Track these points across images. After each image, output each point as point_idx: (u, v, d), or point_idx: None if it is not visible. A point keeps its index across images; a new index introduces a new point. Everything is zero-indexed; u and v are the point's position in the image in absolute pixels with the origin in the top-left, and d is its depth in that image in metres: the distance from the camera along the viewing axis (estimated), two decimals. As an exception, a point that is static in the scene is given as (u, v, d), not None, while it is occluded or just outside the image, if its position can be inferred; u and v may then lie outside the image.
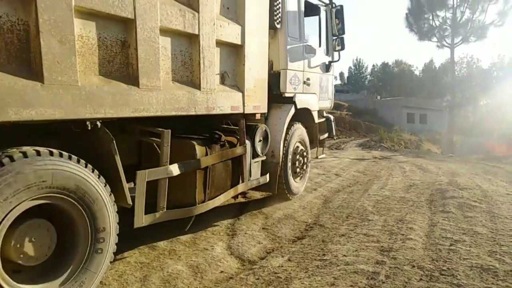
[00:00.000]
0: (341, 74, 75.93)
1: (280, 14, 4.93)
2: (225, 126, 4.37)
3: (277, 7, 4.85)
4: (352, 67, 77.69)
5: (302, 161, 5.79)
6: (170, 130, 3.18)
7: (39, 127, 2.35)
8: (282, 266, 3.31)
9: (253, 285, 2.97)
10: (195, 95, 3.43)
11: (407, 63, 69.63)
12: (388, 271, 3.11)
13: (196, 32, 3.37)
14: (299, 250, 3.72)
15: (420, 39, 22.99)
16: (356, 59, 77.35)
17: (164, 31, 3.06)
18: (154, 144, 3.36)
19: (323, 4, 6.17)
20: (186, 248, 3.69)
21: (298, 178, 5.80)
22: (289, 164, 5.41)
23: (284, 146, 5.20)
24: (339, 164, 10.19)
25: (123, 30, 2.78)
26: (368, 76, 75.46)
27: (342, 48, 6.43)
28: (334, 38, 6.39)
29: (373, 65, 74.63)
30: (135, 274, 3.10)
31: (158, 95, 3.00)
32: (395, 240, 3.87)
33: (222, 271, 3.26)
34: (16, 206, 2.12)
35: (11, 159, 2.10)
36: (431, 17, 22.20)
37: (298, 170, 5.69)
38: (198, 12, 3.35)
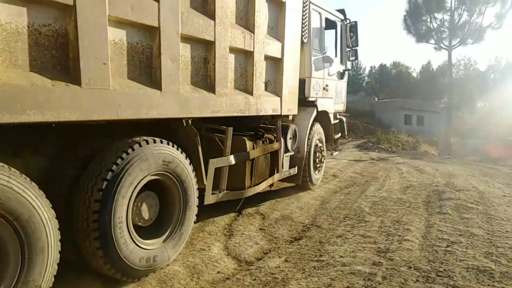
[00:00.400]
0: (339, 76, 75.62)
1: (306, 30, 5.74)
2: (263, 125, 5.16)
3: (304, 24, 5.65)
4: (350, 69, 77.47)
5: (320, 157, 6.72)
6: (232, 128, 4.00)
7: (144, 124, 3.09)
8: (279, 267, 3.31)
9: (250, 286, 2.97)
10: (249, 99, 4.27)
11: (404, 65, 69.68)
12: (385, 272, 3.12)
13: (251, 49, 4.22)
14: (296, 251, 3.72)
15: (418, 41, 23.07)
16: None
17: (231, 49, 3.88)
18: (216, 138, 4.07)
19: (339, 20, 6.98)
20: (183, 249, 3.68)
21: (317, 171, 6.72)
22: (311, 159, 6.32)
23: (307, 143, 6.09)
24: (336, 165, 10.20)
25: (206, 50, 3.62)
26: (366, 78, 75.52)
27: (356, 59, 7.38)
28: (348, 49, 7.22)
29: (371, 67, 74.67)
30: (131, 275, 3.08)
31: (226, 100, 3.82)
32: (392, 241, 3.88)
33: (219, 272, 3.26)
34: (143, 178, 2.89)
35: (140, 145, 2.88)
36: (429, 19, 22.26)
37: (317, 164, 6.64)
38: (253, 33, 4.19)
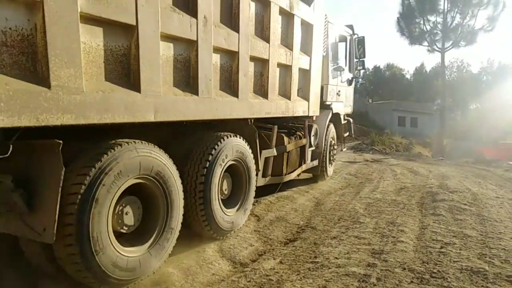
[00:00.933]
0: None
1: (325, 45, 6.80)
2: (291, 124, 6.23)
3: (324, 40, 6.70)
4: (344, 70, 77.89)
5: (333, 152, 7.96)
6: (276, 126, 5.06)
7: (219, 123, 4.06)
8: (274, 269, 3.31)
9: (244, 288, 2.96)
10: (288, 103, 5.36)
11: (398, 67, 70.03)
12: (379, 273, 3.12)
13: (290, 64, 5.30)
14: (291, 253, 3.72)
15: (411, 43, 23.23)
16: (348, 63, 77.76)
17: (278, 65, 4.96)
18: (263, 134, 4.94)
19: (349, 34, 8.11)
20: (178, 250, 3.66)
21: (330, 164, 7.90)
22: (327, 153, 7.49)
23: (325, 140, 7.26)
24: (331, 166, 10.21)
25: (262, 66, 4.67)
26: (360, 80, 75.79)
27: (363, 68, 8.68)
28: (356, 60, 8.39)
29: (365, 69, 74.94)
30: (125, 277, 3.06)
31: (274, 104, 4.90)
32: (386, 242, 3.89)
33: (213, 274, 3.25)
34: (226, 163, 4.02)
35: (225, 138, 3.94)
36: (422, 22, 22.42)
37: (331, 158, 7.85)
38: (292, 51, 5.28)
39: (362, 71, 8.51)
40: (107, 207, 2.61)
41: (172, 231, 3.21)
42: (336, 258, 3.49)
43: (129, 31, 2.74)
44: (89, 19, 2.44)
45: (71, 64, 2.29)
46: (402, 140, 28.97)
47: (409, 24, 22.85)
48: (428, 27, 22.36)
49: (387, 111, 40.77)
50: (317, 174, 7.35)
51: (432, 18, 22.28)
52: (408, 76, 68.30)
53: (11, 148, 2.19)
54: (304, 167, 6.42)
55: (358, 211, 5.21)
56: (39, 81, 2.17)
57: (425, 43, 22.86)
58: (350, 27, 8.13)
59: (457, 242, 3.89)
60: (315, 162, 6.92)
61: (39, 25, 2.16)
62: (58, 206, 2.32)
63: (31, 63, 2.19)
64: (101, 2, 2.44)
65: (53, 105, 2.21)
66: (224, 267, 3.41)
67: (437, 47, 22.55)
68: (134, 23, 2.71)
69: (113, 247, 2.69)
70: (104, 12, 2.48)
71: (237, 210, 4.25)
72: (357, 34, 8.24)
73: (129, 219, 2.88)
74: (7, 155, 2.17)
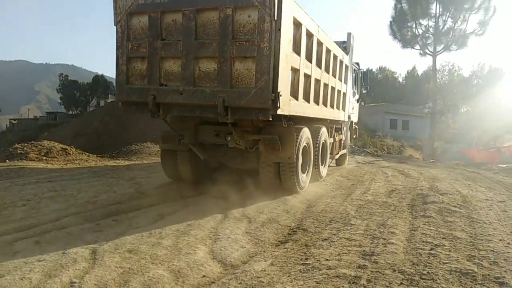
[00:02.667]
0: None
1: (350, 76, 10.34)
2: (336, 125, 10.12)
3: (347, 72, 9.84)
4: (337, 73, 78.18)
5: (348, 147, 12.32)
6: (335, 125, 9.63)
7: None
8: (265, 271, 3.30)
9: (235, 290, 2.95)
10: (339, 112, 9.32)
11: (390, 70, 70.66)
12: (369, 275, 3.13)
13: (340, 89, 9.05)
14: (282, 254, 3.72)
15: (403, 47, 23.40)
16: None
17: (337, 90, 8.64)
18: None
19: (358, 68, 11.88)
20: (168, 253, 3.64)
21: (348, 154, 12.35)
22: (347, 147, 11.70)
23: (346, 138, 11.13)
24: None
25: (332, 91, 8.30)
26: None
27: (367, 91, 13.62)
28: (363, 86, 12.67)
29: (367, 91, 75.33)
30: (115, 279, 3.04)
31: (336, 112, 8.91)
32: (377, 244, 3.90)
33: (204, 276, 3.23)
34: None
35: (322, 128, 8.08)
36: (414, 25, 22.63)
37: (348, 150, 12.32)
38: (341, 81, 8.97)
39: (365, 92, 13.35)
40: (300, 152, 6.43)
41: (309, 167, 7.05)
42: (327, 260, 3.49)
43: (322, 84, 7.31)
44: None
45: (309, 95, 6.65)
46: (393, 143, 29.18)
47: (401, 27, 23.04)
48: (420, 31, 22.58)
49: (379, 113, 41.00)
50: (341, 164, 11.49)
51: (424, 22, 22.52)
52: (400, 79, 68.86)
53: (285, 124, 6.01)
54: (340, 152, 10.65)
55: (349, 213, 5.22)
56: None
57: (417, 47, 23.06)
58: (357, 63, 11.70)
59: (446, 244, 3.92)
60: (345, 150, 11.18)
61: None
62: (295, 148, 6.04)
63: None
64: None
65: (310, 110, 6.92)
66: (215, 269, 3.39)
67: (428, 50, 22.76)
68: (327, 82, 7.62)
69: (301, 171, 6.52)
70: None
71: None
72: (363, 69, 12.63)
73: (301, 160, 6.52)
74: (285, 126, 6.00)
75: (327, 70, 7.43)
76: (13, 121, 78.64)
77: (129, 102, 5.99)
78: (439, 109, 26.39)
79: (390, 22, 23.35)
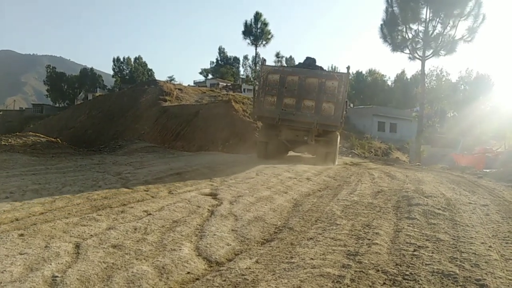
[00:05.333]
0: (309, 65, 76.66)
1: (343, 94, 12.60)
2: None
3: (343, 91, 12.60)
4: (327, 74, 78.58)
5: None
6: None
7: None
8: (250, 268, 3.30)
9: (219, 287, 2.94)
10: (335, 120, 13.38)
11: (380, 73, 71.37)
12: (353, 274, 3.16)
13: (335, 101, 12.90)
14: (267, 253, 3.73)
15: (393, 50, 23.55)
16: (332, 67, 78.65)
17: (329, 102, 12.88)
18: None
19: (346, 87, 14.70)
20: (153, 249, 3.62)
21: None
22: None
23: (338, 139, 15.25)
24: (310, 168, 10.29)
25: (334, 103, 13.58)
26: (343, 70, 76.43)
27: (348, 106, 20.88)
28: (346, 107, 14.99)
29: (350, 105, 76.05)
30: (98, 274, 3.01)
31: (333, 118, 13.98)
32: (362, 244, 3.94)
33: (188, 272, 3.22)
34: None
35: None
36: (404, 30, 22.78)
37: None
38: (336, 102, 12.47)
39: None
40: (338, 147, 13.53)
41: (337, 155, 13.49)
42: (312, 258, 3.51)
43: None
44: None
45: None
46: (381, 145, 29.47)
47: (392, 31, 23.19)
48: (410, 35, 22.75)
49: (367, 116, 41.37)
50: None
51: (414, 27, 22.67)
52: (389, 82, 69.55)
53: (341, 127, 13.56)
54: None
55: (335, 213, 5.26)
56: None
57: (407, 51, 23.25)
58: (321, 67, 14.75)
59: (429, 245, 3.97)
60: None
61: None
62: (337, 145, 13.03)
63: None
64: None
65: None
66: (200, 266, 3.38)
67: (418, 55, 22.95)
68: None
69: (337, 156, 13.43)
70: None
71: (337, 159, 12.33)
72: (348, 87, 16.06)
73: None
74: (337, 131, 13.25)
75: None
76: (-2, 112, 77.17)
77: (262, 116, 12.92)
78: (426, 113, 26.69)
79: (381, 25, 23.51)
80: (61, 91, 79.32)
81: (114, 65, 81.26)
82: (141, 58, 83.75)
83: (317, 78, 12.00)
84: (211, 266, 3.42)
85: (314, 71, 12.56)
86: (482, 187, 8.42)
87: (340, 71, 14.97)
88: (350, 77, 16.00)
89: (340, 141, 15.40)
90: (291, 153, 14.77)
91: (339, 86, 11.91)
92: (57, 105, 77.62)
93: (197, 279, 3.12)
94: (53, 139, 11.98)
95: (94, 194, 5.65)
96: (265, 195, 6.21)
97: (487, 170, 13.27)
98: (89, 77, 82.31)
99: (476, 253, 3.79)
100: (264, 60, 13.46)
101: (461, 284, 3.07)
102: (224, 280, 3.05)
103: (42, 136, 12.25)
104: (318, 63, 13.62)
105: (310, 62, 13.30)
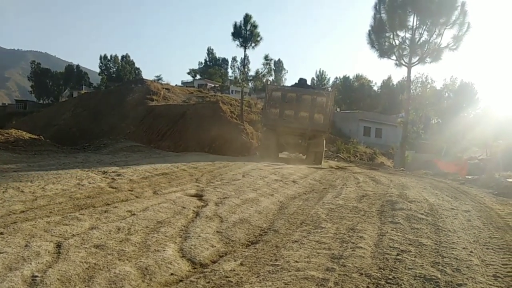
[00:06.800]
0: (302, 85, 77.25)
1: (330, 106, 16.64)
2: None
3: (331, 104, 16.52)
4: (315, 78, 79.28)
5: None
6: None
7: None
8: (234, 270, 3.29)
9: (203, 289, 2.92)
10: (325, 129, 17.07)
11: (367, 78, 72.15)
12: (337, 278, 3.17)
13: (323, 112, 16.49)
14: (252, 255, 3.72)
15: (380, 56, 23.84)
16: (319, 71, 79.21)
17: (319, 113, 16.46)
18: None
19: (332, 100, 17.11)
20: (136, 249, 3.58)
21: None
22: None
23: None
24: (297, 171, 10.33)
25: (321, 113, 17.02)
26: (330, 88, 77.29)
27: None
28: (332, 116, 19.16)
29: (336, 78, 76.76)
30: (79, 274, 2.96)
31: (320, 125, 17.27)
32: (346, 248, 3.96)
33: (172, 274, 3.19)
34: None
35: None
36: (391, 36, 23.10)
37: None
38: (326, 112, 16.20)
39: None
40: (324, 148, 17.30)
41: (324, 156, 16.72)
42: (296, 261, 3.51)
43: None
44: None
45: None
46: (366, 150, 29.79)
47: (379, 37, 23.48)
48: (397, 42, 23.07)
49: (353, 120, 41.78)
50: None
51: (401, 34, 22.99)
52: (375, 88, 70.36)
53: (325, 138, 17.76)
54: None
55: (320, 216, 5.28)
56: None
57: (393, 57, 23.57)
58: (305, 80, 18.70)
59: (412, 250, 4.02)
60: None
61: None
62: (324, 146, 16.35)
63: None
64: None
65: None
66: (184, 267, 3.35)
67: (404, 61, 23.29)
68: None
69: (324, 157, 17.54)
70: None
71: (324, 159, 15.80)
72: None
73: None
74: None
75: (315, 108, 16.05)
76: (-20, 108, 75.41)
77: (268, 124, 16.17)
78: (411, 120, 27.08)
79: (369, 31, 23.80)
80: (45, 88, 78.06)
81: (101, 62, 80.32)
82: (129, 57, 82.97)
83: (310, 95, 15.96)
84: (195, 268, 3.39)
85: (308, 90, 16.91)
86: (464, 193, 8.57)
87: (328, 89, 19.43)
88: (338, 82, 18.91)
89: (325, 145, 17.61)
90: (280, 155, 17.04)
91: (327, 101, 15.78)
92: (41, 101, 76.33)
93: (181, 280, 3.09)
94: (36, 136, 11.75)
95: (77, 193, 5.55)
96: (251, 197, 6.21)
97: (470, 177, 13.52)
98: (74, 74, 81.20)
99: (458, 258, 3.85)
100: (268, 80, 20.20)
101: (442, 288, 3.11)
102: (208, 282, 3.03)
103: (25, 133, 12.01)
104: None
105: (303, 82, 17.71)
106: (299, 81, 17.78)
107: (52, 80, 78.83)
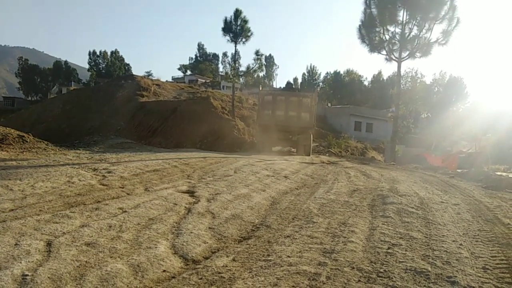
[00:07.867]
0: (295, 80, 77.41)
1: (315, 105, 19.42)
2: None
3: (315, 104, 19.31)
4: (306, 74, 79.36)
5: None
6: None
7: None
8: (227, 266, 3.29)
9: (195, 285, 2.92)
10: (310, 125, 19.18)
11: (357, 73, 72.45)
12: (329, 272, 3.19)
13: (308, 112, 18.74)
14: (244, 250, 3.72)
15: (370, 51, 23.86)
16: (310, 66, 79.34)
17: (305, 112, 18.77)
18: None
19: (315, 100, 19.64)
20: (128, 247, 3.56)
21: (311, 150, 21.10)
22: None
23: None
24: (288, 167, 10.36)
25: (307, 112, 19.45)
26: (321, 84, 77.58)
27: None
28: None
29: (327, 73, 76.96)
30: (70, 272, 2.93)
31: (305, 122, 19.64)
32: (337, 242, 3.99)
33: (164, 270, 3.18)
34: None
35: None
36: (382, 31, 23.14)
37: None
38: (311, 111, 18.61)
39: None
40: (311, 142, 19.82)
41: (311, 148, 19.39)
42: (289, 256, 3.53)
43: None
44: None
45: None
46: (357, 144, 29.94)
47: (369, 32, 23.50)
48: (387, 37, 23.13)
49: (344, 115, 41.94)
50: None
51: (391, 28, 23.01)
52: (366, 82, 70.68)
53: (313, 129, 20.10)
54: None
55: (312, 211, 5.30)
56: None
57: (384, 52, 23.63)
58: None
59: (403, 243, 4.06)
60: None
61: None
62: (311, 140, 18.96)
63: None
64: None
65: None
66: (176, 264, 3.35)
67: (394, 56, 23.36)
68: None
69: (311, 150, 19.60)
70: None
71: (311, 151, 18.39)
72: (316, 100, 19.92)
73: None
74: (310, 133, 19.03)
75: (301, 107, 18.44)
76: (-34, 105, 74.13)
77: (263, 124, 18.43)
78: (401, 114, 27.27)
79: (359, 26, 23.80)
80: (33, 84, 77.05)
81: (90, 58, 79.47)
82: (118, 52, 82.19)
83: (297, 97, 18.55)
84: (187, 264, 3.39)
85: (294, 93, 20.24)
86: (454, 187, 8.67)
87: (312, 92, 21.76)
88: (329, 77, 19.46)
89: (314, 139, 20.72)
90: (274, 149, 19.05)
91: (311, 101, 18.28)
92: (29, 98, 75.31)
93: (173, 277, 3.09)
94: (24, 134, 11.60)
95: (67, 191, 5.50)
96: (243, 193, 6.21)
97: (459, 170, 13.67)
98: (63, 70, 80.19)
99: (448, 251, 3.90)
100: (260, 87, 23.25)
101: (433, 281, 3.15)
102: (201, 278, 3.03)
103: (14, 130, 11.85)
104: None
105: (290, 86, 22.18)
106: (286, 85, 21.48)
107: (41, 77, 77.83)
